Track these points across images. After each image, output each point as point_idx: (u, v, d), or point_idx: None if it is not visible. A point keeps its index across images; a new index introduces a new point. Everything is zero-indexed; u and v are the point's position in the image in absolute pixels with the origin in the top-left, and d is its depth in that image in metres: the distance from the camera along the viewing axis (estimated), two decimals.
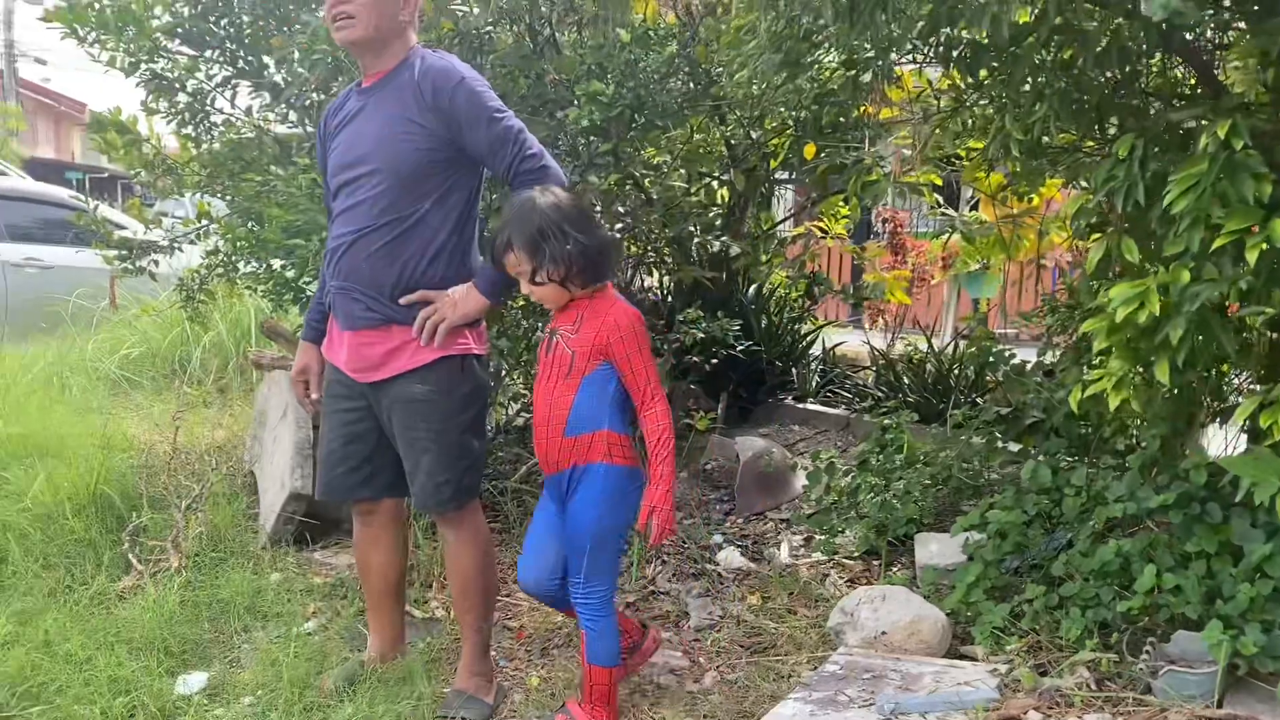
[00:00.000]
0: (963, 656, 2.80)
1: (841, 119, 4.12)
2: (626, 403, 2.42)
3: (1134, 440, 3.26)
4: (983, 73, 3.00)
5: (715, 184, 5.07)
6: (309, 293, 3.99)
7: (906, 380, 5.14)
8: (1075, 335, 3.36)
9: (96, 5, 3.93)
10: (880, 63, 3.03)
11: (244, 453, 4.39)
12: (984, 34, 2.52)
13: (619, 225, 4.30)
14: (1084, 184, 3.15)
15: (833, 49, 3.08)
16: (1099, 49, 2.65)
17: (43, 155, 30.28)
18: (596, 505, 2.41)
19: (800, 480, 4.22)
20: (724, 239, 4.62)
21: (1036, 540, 3.03)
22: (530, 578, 2.56)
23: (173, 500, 3.80)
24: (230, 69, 4.22)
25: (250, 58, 4.18)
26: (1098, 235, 2.85)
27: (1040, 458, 3.23)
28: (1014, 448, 3.74)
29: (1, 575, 3.27)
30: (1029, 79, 2.84)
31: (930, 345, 5.30)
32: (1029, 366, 3.87)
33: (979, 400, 4.51)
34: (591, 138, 3.64)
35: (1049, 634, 2.74)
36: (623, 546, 2.43)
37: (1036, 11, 2.61)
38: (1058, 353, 3.67)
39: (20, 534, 3.42)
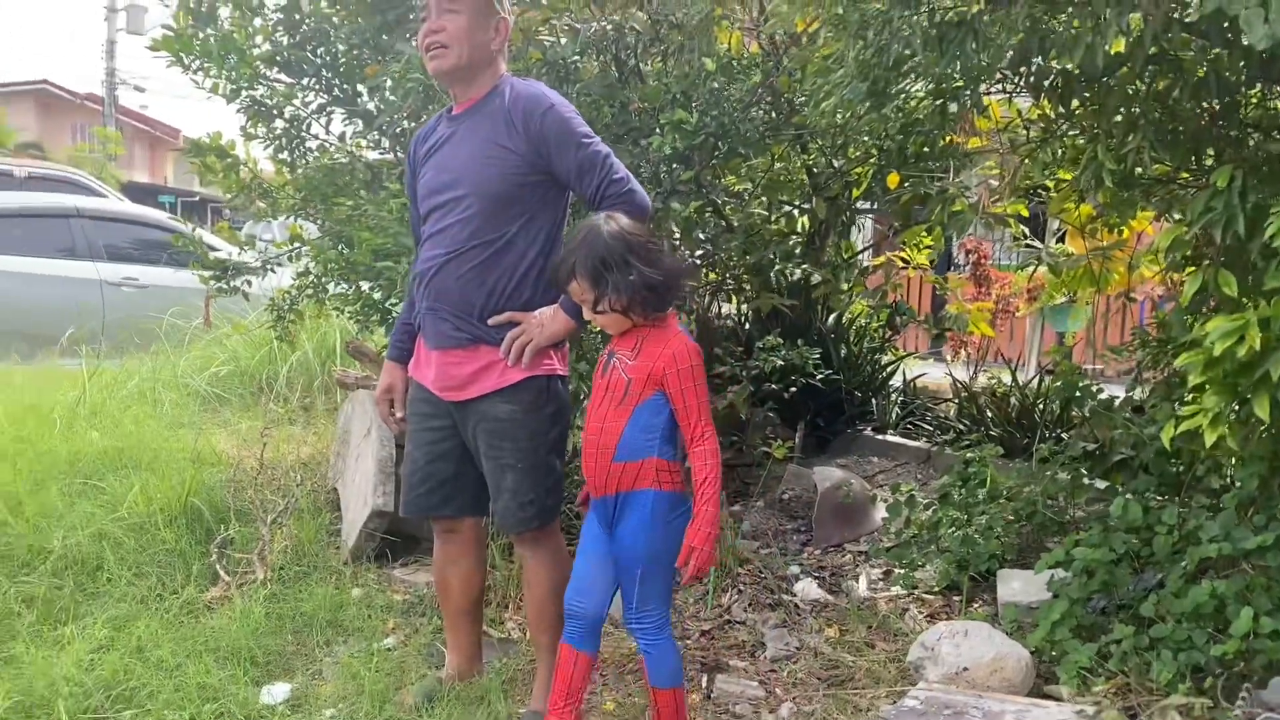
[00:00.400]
0: (1047, 696, 2.73)
1: (927, 148, 4.09)
2: (677, 432, 2.40)
3: (1229, 479, 3.17)
4: (1074, 102, 2.97)
5: (796, 212, 5.07)
6: (395, 314, 4.09)
7: (989, 414, 5.06)
8: (1167, 370, 3.28)
9: (201, 35, 4.08)
10: (969, 92, 3.01)
11: (328, 469, 4.48)
12: (1076, 63, 2.50)
13: (699, 252, 4.32)
14: (1178, 216, 3.08)
15: (920, 78, 3.07)
16: (1196, 79, 2.61)
17: (138, 179, 31.40)
18: (646, 530, 2.38)
19: (879, 513, 4.17)
20: (804, 267, 4.62)
21: (1125, 579, 2.95)
22: (580, 600, 2.50)
23: (259, 514, 3.90)
24: (325, 96, 4.36)
25: (345, 85, 4.31)
26: (1193, 268, 2.79)
27: (1129, 495, 3.15)
28: (1101, 485, 3.65)
29: (97, 582, 3.37)
30: (1122, 109, 2.80)
31: (1014, 378, 5.20)
32: (1117, 402, 3.78)
33: (1064, 436, 4.42)
34: (674, 165, 3.68)
35: (1138, 676, 2.67)
36: (675, 570, 2.41)
37: (1131, 41, 2.57)
38: (1148, 388, 3.59)
39: (115, 542, 3.53)
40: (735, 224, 4.45)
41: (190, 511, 3.81)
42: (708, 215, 4.34)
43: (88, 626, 3.03)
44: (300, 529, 3.83)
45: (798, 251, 4.90)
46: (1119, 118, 2.85)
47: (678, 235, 4.08)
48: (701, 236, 4.11)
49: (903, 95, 3.40)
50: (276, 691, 2.85)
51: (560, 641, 2.49)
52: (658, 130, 3.63)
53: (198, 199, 28.06)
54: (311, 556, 3.73)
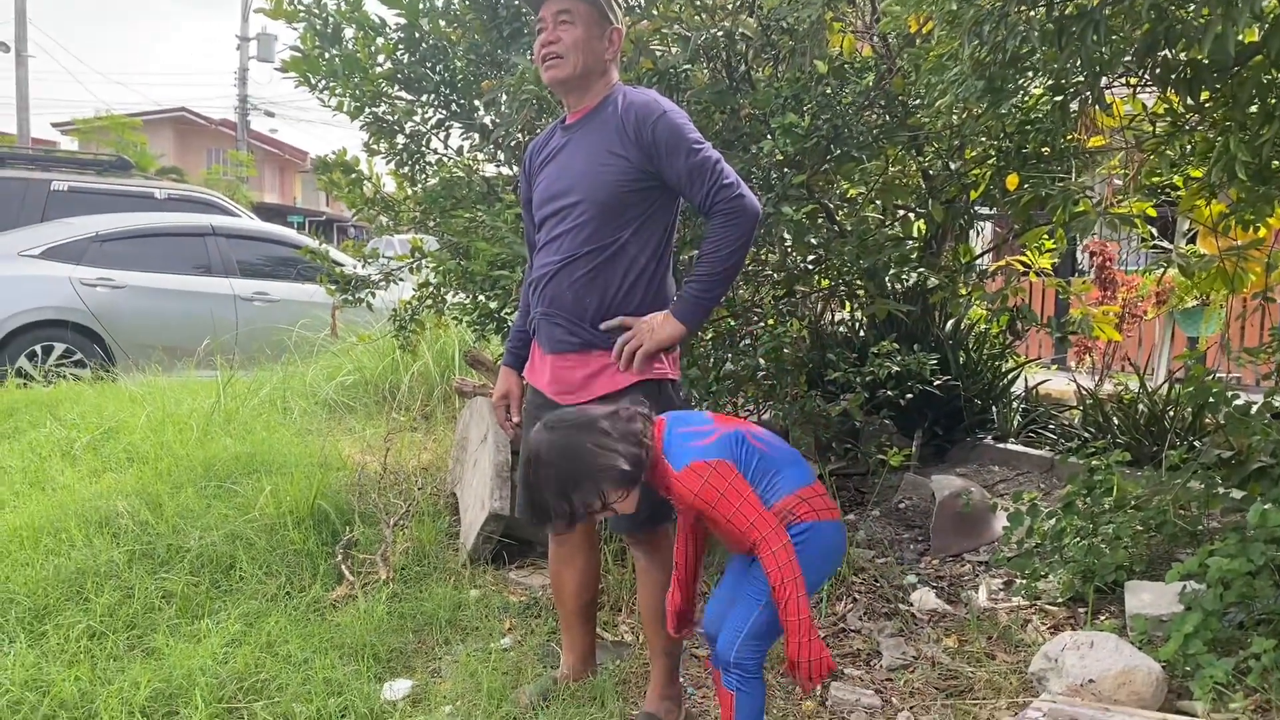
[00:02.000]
0: (1180, 712, 2.62)
1: (1046, 148, 3.98)
2: (783, 470, 2.29)
3: None
4: (1204, 94, 2.86)
5: (912, 216, 4.99)
6: (510, 322, 4.17)
7: (1116, 421, 4.88)
8: None
9: (327, 55, 4.25)
10: (1090, 87, 2.93)
11: (446, 474, 4.60)
12: (1206, 53, 2.40)
13: (811, 257, 4.29)
14: None
15: (1039, 74, 2.99)
16: None
17: (269, 200, 32.76)
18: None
19: (1000, 522, 4.06)
20: (920, 271, 4.54)
21: (1265, 592, 2.81)
22: (714, 627, 2.41)
23: (382, 517, 4.02)
24: (444, 111, 4.48)
25: (462, 100, 4.43)
26: None
27: (1269, 505, 3.00)
28: (1237, 495, 3.48)
29: (231, 579, 3.53)
30: (1256, 99, 2.68)
31: (1143, 384, 5.01)
32: (1254, 408, 3.61)
33: (1196, 444, 4.23)
34: (785, 170, 3.66)
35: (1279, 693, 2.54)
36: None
37: (1266, 27, 2.47)
38: None
39: (247, 543, 3.69)
40: (848, 229, 4.40)
41: (317, 514, 3.95)
42: (820, 220, 4.31)
43: (222, 621, 3.17)
44: (420, 531, 3.93)
45: (913, 256, 4.82)
46: (1253, 109, 2.73)
47: (789, 240, 4.05)
48: (814, 241, 4.07)
49: (1021, 93, 3.32)
50: (398, 688, 2.93)
51: (712, 669, 2.41)
52: (769, 135, 3.63)
53: (324, 218, 29.14)
54: (431, 558, 3.83)
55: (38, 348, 7.47)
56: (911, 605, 3.57)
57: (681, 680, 2.88)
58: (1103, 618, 3.28)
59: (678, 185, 2.62)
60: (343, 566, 3.70)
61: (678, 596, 2.55)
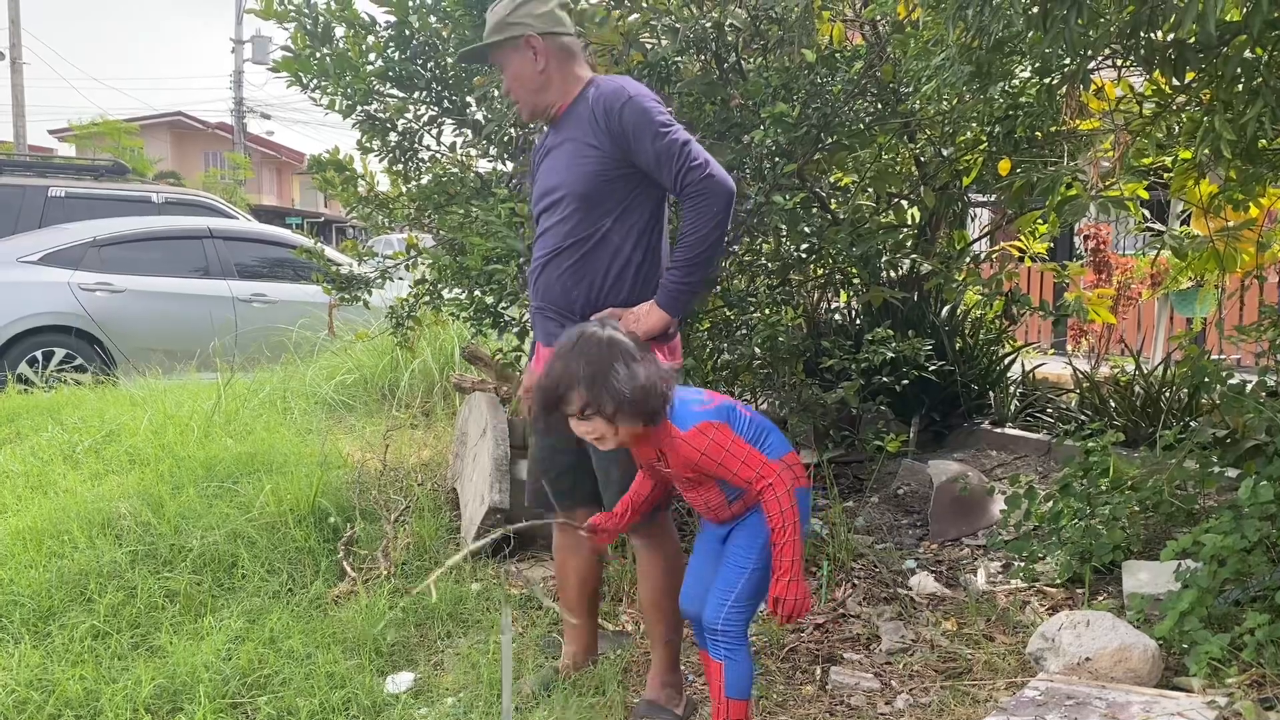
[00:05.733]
0: (1175, 688, 2.63)
1: (1037, 132, 3.99)
2: (761, 434, 2.36)
3: None
4: (1189, 74, 2.87)
5: (905, 203, 5.00)
6: (507, 317, 4.19)
7: (1112, 403, 4.89)
8: None
9: (318, 54, 4.25)
10: (1076, 70, 2.94)
11: (447, 470, 4.61)
12: (1190, 33, 2.42)
13: (804, 246, 4.30)
14: None
15: (1025, 58, 3.00)
16: None
17: (267, 202, 32.75)
18: (765, 531, 2.33)
19: (997, 506, 4.08)
20: (914, 258, 4.55)
21: (1259, 567, 2.83)
22: (695, 605, 2.50)
23: (383, 513, 4.04)
24: (436, 108, 4.49)
25: (454, 97, 4.44)
26: None
27: (1264, 481, 3.02)
28: (1232, 473, 3.50)
29: (233, 578, 3.55)
30: (1241, 78, 2.69)
31: (1138, 366, 5.03)
32: (1249, 387, 3.62)
33: (1192, 424, 4.25)
34: (777, 159, 3.67)
35: (1275, 667, 2.55)
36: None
37: (1247, 7, 2.48)
38: None
39: (249, 541, 3.70)
40: (842, 216, 4.41)
41: (318, 512, 3.97)
42: (813, 209, 4.32)
43: (225, 619, 3.19)
44: (421, 527, 3.95)
45: (907, 243, 4.83)
46: (1239, 87, 2.74)
47: (783, 229, 4.07)
48: (807, 230, 4.08)
49: (1008, 77, 3.33)
50: (400, 680, 2.95)
51: (700, 651, 2.50)
52: (759, 125, 3.64)
53: (322, 219, 29.13)
54: (432, 553, 3.84)
55: (38, 353, 7.49)
56: (910, 589, 3.59)
57: (684, 669, 2.90)
58: (1101, 598, 3.30)
59: (649, 169, 2.64)
60: (344, 563, 3.72)
61: (610, 517, 2.56)
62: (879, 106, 4.28)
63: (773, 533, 2.27)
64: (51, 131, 34.22)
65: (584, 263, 2.66)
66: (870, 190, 4.69)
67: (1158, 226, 4.71)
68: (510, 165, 4.39)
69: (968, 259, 5.19)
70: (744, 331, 4.15)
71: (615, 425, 2.26)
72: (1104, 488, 3.58)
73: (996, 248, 5.52)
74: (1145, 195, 4.29)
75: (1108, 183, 3.67)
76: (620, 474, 2.66)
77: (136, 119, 31.02)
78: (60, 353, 7.55)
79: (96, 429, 5.17)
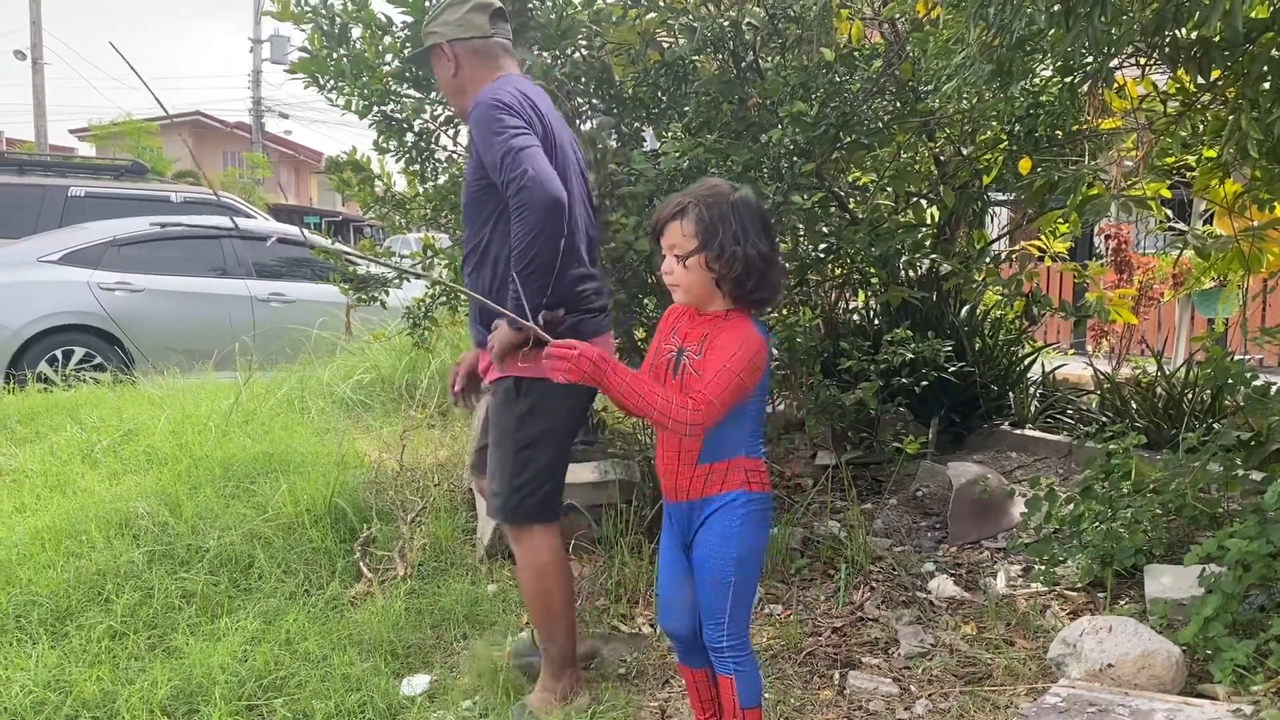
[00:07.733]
0: (1200, 695, 2.60)
1: (1058, 131, 3.95)
2: (761, 426, 2.26)
3: None
4: (1215, 73, 2.82)
5: (924, 203, 4.96)
6: None
7: (1134, 405, 4.84)
8: None
9: (335, 55, 4.25)
10: (1099, 68, 2.90)
11: (463, 471, 4.61)
12: (1215, 30, 2.38)
13: (822, 245, 4.27)
14: None
15: (1047, 56, 2.97)
16: None
17: (285, 201, 32.85)
18: (738, 535, 2.21)
19: (1018, 508, 4.04)
20: (933, 258, 4.51)
21: None
22: (674, 622, 2.39)
23: (399, 514, 4.04)
24: (452, 108, 4.47)
25: None
26: None
27: None
28: (1257, 476, 3.45)
29: (249, 578, 3.55)
30: (1268, 76, 2.65)
31: (1160, 367, 4.97)
32: (1274, 388, 3.57)
33: (1215, 426, 4.19)
34: (795, 159, 3.65)
35: None
36: (758, 574, 2.33)
37: (1274, 5, 2.44)
38: None
39: (265, 541, 3.71)
40: (860, 216, 4.38)
41: (335, 512, 3.97)
42: (831, 208, 4.29)
43: (241, 620, 3.19)
44: (438, 528, 3.94)
45: (926, 243, 4.79)
46: (1265, 86, 2.70)
47: (800, 229, 4.04)
48: (825, 230, 4.06)
49: (1030, 75, 3.29)
50: (416, 683, 2.94)
51: (678, 663, 2.51)
52: (777, 124, 3.61)
53: (340, 219, 29.21)
54: (449, 554, 3.84)
55: (58, 352, 7.53)
56: (929, 593, 3.56)
57: (627, 687, 2.90)
58: (1122, 602, 3.26)
59: (494, 178, 2.57)
60: (361, 564, 3.72)
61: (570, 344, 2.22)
62: (898, 105, 4.24)
63: (650, 390, 2.06)
64: (72, 131, 34.45)
65: (476, 273, 2.73)
66: (889, 189, 4.65)
67: (1180, 226, 4.65)
68: None
69: (987, 259, 5.14)
70: None
71: (720, 288, 2.14)
72: (1126, 490, 3.54)
73: (1016, 247, 5.47)
74: (1168, 194, 4.23)
75: (1130, 182, 3.63)
76: (489, 470, 2.78)
77: (156, 118, 31.14)
78: (80, 352, 7.59)
79: (115, 428, 5.19)
